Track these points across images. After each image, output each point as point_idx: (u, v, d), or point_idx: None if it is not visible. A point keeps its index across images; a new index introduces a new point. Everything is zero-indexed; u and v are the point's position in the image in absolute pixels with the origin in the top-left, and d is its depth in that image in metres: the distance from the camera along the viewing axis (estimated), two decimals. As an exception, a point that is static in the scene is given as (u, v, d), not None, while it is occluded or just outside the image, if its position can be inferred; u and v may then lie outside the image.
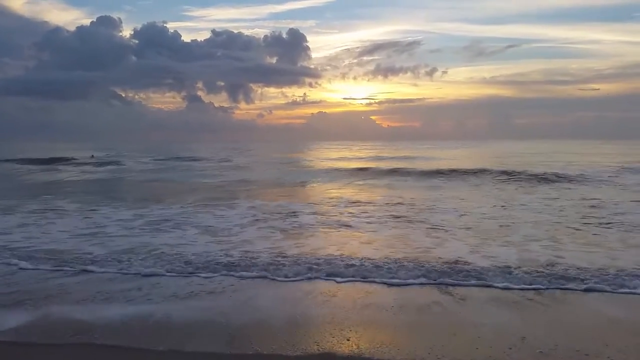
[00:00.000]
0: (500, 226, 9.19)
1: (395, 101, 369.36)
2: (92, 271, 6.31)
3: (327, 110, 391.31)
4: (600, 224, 9.28)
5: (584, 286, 5.41)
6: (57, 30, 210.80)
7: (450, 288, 5.45)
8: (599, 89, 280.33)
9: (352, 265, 6.24)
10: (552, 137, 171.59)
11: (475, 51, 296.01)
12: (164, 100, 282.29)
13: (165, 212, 11.17)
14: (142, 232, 8.88)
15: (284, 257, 6.80)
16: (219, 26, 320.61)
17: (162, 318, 4.59)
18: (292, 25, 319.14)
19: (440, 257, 6.71)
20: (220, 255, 6.91)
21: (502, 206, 11.96)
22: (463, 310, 4.81)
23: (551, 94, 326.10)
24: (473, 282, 5.62)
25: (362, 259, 6.58)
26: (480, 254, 6.94)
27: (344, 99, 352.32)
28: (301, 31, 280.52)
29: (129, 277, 6.05)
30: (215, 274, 6.06)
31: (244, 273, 6.09)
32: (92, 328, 4.33)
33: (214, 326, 4.39)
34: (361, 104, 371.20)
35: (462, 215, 10.57)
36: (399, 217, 10.17)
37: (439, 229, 8.92)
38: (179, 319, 4.57)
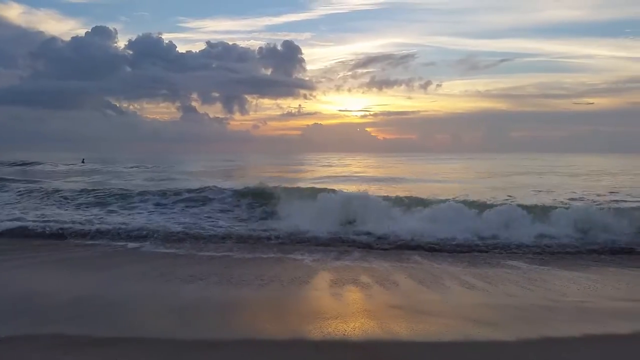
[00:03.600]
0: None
1: (390, 113, 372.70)
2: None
3: (322, 122, 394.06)
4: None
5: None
6: (52, 40, 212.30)
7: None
8: (593, 103, 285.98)
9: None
10: (549, 151, 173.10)
11: (469, 65, 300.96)
12: (159, 111, 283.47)
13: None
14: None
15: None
16: (214, 38, 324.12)
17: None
18: (287, 38, 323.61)
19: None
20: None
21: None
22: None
23: (546, 108, 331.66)
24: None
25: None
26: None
27: (339, 110, 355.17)
28: (296, 43, 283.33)
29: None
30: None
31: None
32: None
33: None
34: (356, 116, 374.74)
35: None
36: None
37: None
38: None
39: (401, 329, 4.49)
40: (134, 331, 4.44)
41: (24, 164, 43.08)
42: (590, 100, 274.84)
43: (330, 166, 48.31)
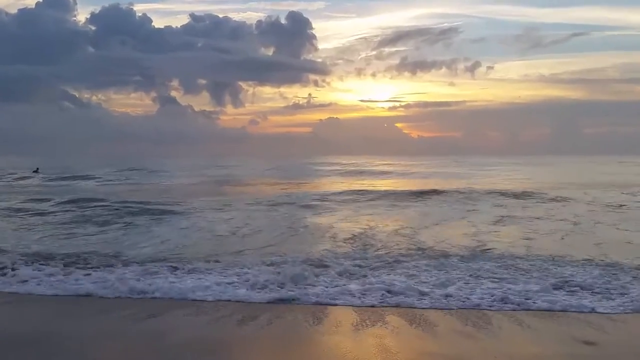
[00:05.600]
0: None
1: (427, 105, 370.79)
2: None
3: (339, 116, 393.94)
4: None
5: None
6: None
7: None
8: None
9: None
10: (636, 152, 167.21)
11: (531, 41, 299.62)
12: (130, 103, 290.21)
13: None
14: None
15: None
16: (200, 9, 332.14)
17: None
18: (294, 8, 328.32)
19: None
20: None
21: None
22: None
23: (632, 96, 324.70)
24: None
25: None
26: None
27: (361, 101, 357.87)
28: (305, 15, 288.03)
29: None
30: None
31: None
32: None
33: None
34: (383, 107, 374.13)
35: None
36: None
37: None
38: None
39: None
40: None
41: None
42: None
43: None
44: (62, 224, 16.31)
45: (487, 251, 11.47)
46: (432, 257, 10.71)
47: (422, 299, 7.72)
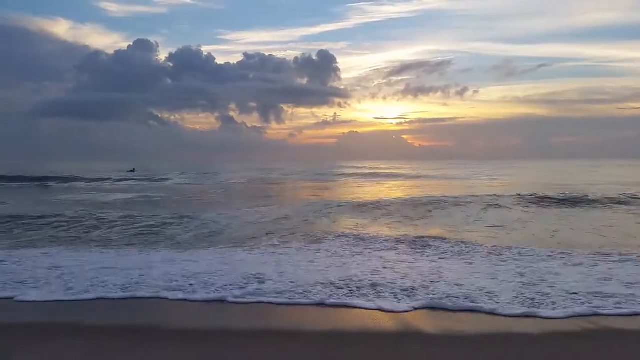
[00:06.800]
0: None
1: (426, 120, 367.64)
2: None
3: (358, 130, 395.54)
4: None
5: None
6: (96, 53, 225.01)
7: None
8: (639, 108, 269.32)
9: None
10: (594, 157, 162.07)
11: (506, 70, 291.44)
12: (198, 121, 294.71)
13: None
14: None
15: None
16: (251, 49, 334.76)
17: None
18: (323, 47, 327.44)
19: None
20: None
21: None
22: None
23: (588, 113, 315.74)
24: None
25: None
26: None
27: (375, 118, 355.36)
28: (331, 52, 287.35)
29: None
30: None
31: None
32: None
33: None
34: (392, 123, 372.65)
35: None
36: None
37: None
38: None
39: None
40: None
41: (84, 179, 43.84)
42: (636, 105, 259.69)
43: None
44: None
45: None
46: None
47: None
